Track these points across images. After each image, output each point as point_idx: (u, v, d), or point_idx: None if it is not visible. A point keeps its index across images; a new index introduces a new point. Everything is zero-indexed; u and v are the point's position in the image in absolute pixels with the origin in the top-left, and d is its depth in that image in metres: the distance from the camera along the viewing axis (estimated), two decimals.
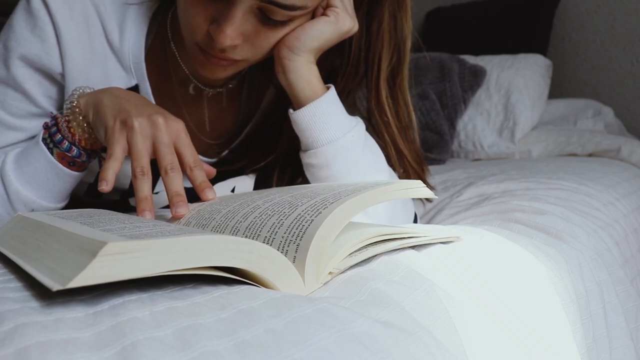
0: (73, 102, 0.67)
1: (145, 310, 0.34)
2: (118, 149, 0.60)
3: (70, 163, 0.69)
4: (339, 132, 0.71)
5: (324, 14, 0.71)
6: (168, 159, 0.60)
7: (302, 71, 0.71)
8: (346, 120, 0.72)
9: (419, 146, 0.84)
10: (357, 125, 0.73)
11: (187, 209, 0.58)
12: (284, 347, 0.31)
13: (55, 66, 0.72)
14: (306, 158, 0.72)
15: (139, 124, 0.60)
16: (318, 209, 0.44)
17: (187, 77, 0.79)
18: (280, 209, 0.47)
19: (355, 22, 0.73)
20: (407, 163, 0.81)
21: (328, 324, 0.34)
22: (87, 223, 0.45)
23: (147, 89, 0.77)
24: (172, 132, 0.62)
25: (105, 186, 0.58)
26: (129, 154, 0.61)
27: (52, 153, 0.68)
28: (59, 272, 0.35)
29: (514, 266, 0.54)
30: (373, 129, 0.80)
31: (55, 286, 0.33)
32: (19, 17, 0.72)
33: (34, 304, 0.36)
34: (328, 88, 0.72)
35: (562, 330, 0.52)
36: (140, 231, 0.41)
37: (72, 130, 0.67)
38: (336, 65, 0.80)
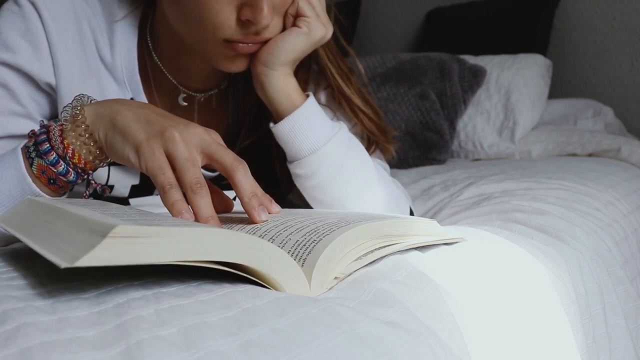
0: (76, 109, 0.58)
1: (150, 308, 0.34)
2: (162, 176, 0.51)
3: (49, 180, 0.59)
4: (320, 141, 0.71)
5: (295, 25, 0.70)
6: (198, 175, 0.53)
7: (279, 85, 0.71)
8: (328, 127, 0.73)
9: (368, 96, 0.83)
10: (339, 131, 0.73)
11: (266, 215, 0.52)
12: (290, 348, 0.31)
13: (45, 74, 0.70)
14: (292, 169, 0.74)
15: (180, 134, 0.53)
16: (338, 224, 0.46)
17: (175, 87, 0.78)
18: (297, 224, 0.48)
19: (329, 28, 0.72)
20: (357, 109, 0.80)
21: (334, 325, 0.34)
22: (98, 210, 0.45)
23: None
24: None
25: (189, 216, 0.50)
26: (176, 171, 0.53)
27: (31, 164, 0.58)
28: (67, 251, 0.34)
29: (514, 267, 0.54)
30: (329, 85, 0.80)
31: (62, 264, 0.32)
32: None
33: (37, 302, 0.35)
34: (308, 96, 0.72)
35: (563, 331, 0.52)
36: (152, 222, 0.41)
37: (65, 141, 0.57)
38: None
